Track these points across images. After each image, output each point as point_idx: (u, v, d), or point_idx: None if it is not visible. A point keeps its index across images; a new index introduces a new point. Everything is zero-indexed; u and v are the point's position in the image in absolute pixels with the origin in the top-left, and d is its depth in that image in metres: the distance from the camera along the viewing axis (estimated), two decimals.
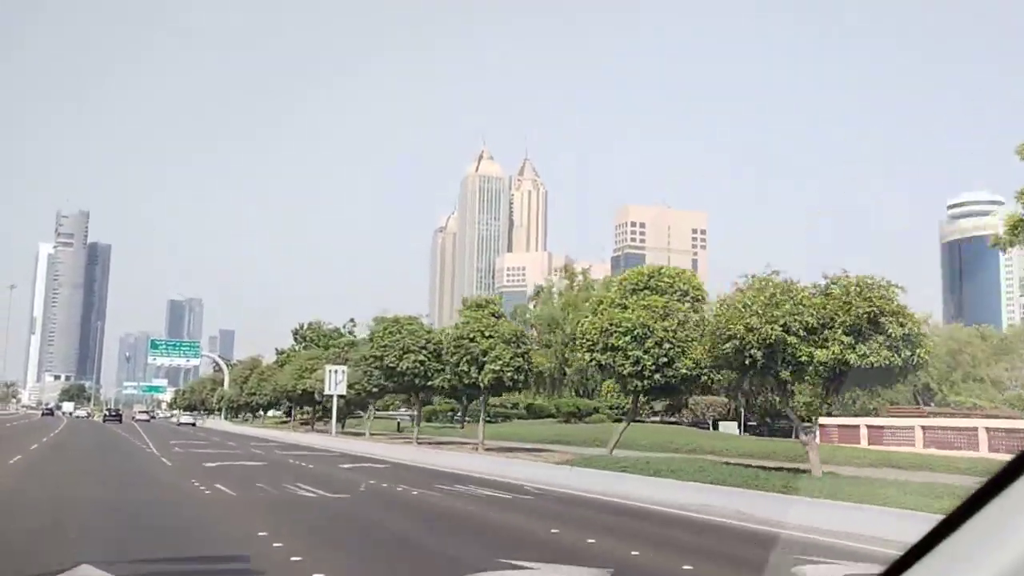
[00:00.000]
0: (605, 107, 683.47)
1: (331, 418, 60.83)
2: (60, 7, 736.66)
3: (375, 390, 50.68)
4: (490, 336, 34.17)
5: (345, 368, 56.98)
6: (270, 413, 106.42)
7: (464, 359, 34.28)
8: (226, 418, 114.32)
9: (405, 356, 41.18)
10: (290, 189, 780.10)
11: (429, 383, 41.89)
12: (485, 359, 33.91)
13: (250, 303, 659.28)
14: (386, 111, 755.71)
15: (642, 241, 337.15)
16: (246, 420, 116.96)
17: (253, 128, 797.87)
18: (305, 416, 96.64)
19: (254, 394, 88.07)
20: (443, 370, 42.52)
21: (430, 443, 43.80)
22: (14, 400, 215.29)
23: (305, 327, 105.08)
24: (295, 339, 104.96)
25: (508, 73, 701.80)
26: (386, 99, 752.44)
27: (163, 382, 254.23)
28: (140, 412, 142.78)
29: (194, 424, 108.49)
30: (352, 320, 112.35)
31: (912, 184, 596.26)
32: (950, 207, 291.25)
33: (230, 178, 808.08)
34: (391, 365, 41.21)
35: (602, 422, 54.02)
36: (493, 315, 35.73)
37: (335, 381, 56.06)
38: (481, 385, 34.19)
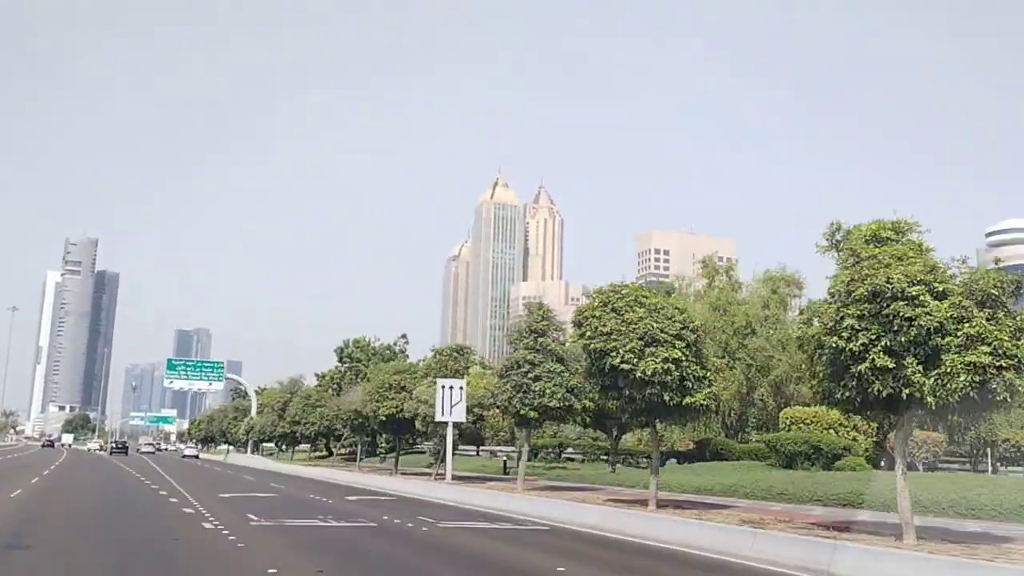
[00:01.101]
0: (623, 133, 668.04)
1: (395, 454, 42.23)
2: (66, 41, 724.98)
3: (532, 416, 31.91)
4: (943, 292, 15.59)
5: (463, 383, 38.54)
6: (297, 446, 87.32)
7: (882, 343, 15.63)
8: (254, 452, 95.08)
9: (649, 353, 22.58)
10: (302, 219, 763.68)
11: (686, 400, 23.25)
12: (941, 343, 15.31)
13: (259, 334, 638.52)
14: (399, 139, 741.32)
15: (666, 268, 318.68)
16: (272, 454, 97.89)
17: (264, 157, 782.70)
18: (348, 450, 77.52)
19: (298, 423, 68.99)
20: (705, 378, 24.01)
21: (676, 506, 24.89)
22: (13, 431, 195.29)
23: (350, 344, 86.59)
24: (340, 359, 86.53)
25: (524, 101, 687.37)
26: (400, 126, 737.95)
27: (172, 412, 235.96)
28: (146, 444, 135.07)
29: (197, 456, 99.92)
30: (404, 336, 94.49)
31: (948, 212, 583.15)
32: (988, 235, 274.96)
33: (241, 208, 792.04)
34: (625, 367, 22.54)
35: (859, 468, 35.15)
36: (917, 252, 16.99)
37: (449, 401, 37.57)
38: (930, 399, 15.43)
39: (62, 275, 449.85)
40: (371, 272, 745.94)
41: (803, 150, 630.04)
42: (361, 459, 62.70)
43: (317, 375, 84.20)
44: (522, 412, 31.79)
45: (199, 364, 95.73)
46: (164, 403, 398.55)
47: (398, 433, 48.04)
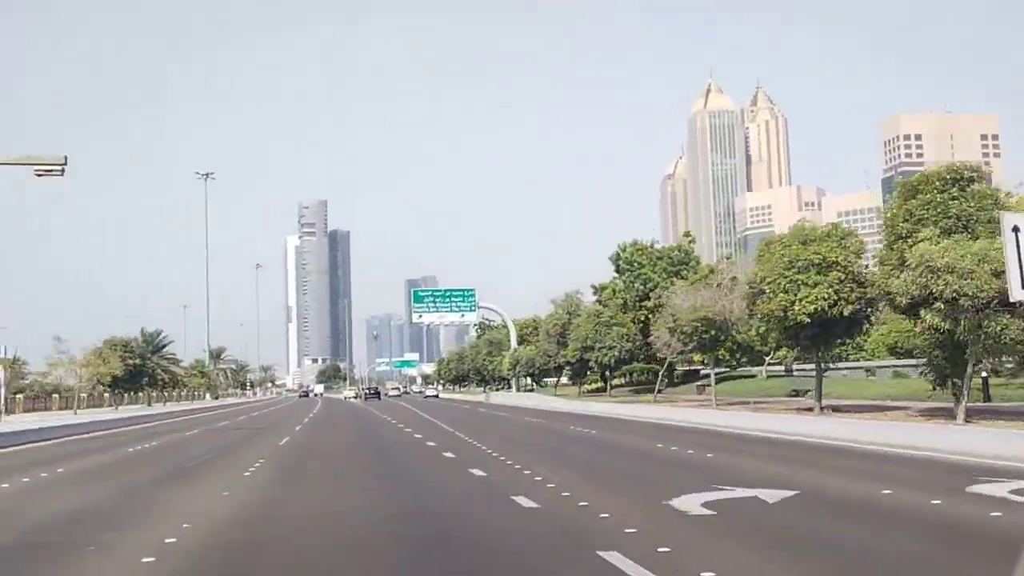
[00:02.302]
0: (848, 15, 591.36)
1: None
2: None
3: None
4: None
5: None
6: (584, 376, 69.74)
7: None
8: (521, 388, 79.59)
9: None
10: (515, 151, 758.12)
11: None
12: None
13: (483, 273, 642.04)
14: (605, 53, 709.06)
15: (919, 156, 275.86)
16: (531, 390, 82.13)
17: (473, 96, 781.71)
18: (623, 380, 59.20)
19: (591, 348, 51.07)
20: None
21: None
22: (272, 384, 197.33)
23: (627, 249, 67.44)
24: (616, 268, 67.76)
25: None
26: (606, 40, 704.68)
27: (414, 356, 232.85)
28: (392, 388, 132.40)
29: (437, 396, 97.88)
30: (687, 234, 74.71)
31: None
32: None
33: (455, 148, 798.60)
34: None
35: None
36: None
37: None
38: None
39: (299, 238, 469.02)
40: (584, 204, 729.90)
41: None
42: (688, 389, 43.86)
43: (594, 287, 66.18)
44: None
45: (448, 293, 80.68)
46: (404, 348, 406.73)
47: (827, 341, 27.83)
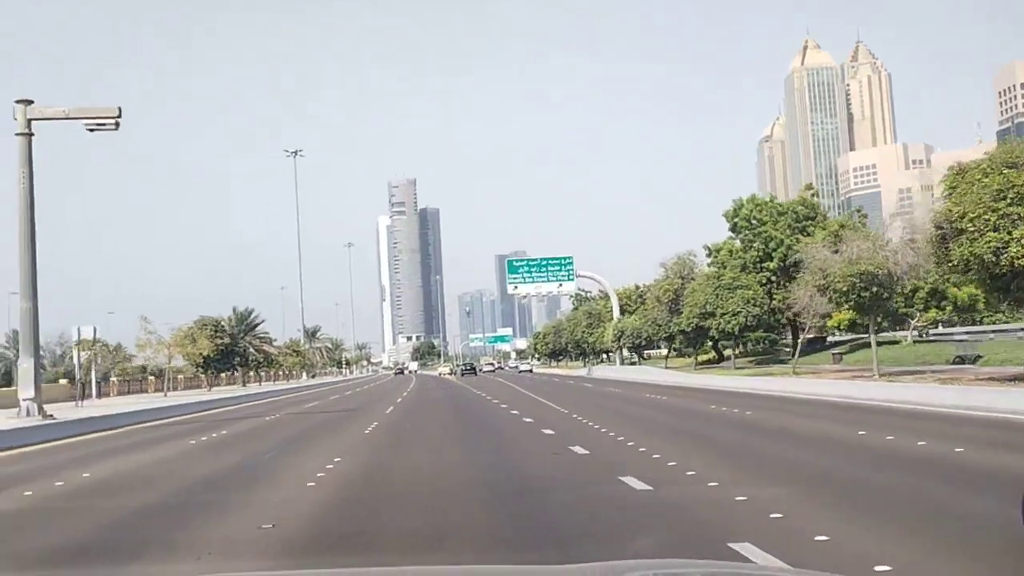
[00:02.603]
0: None
1: None
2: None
3: None
4: None
5: None
6: (701, 345, 63.97)
7: None
8: (624, 361, 74.32)
9: None
10: (605, 119, 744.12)
11: None
12: None
13: (572, 248, 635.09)
14: (698, 13, 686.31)
15: None
16: (633, 363, 76.79)
17: (561, 62, 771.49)
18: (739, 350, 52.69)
19: (710, 315, 45.30)
20: None
21: None
22: (367, 362, 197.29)
23: (745, 205, 60.97)
24: (732, 228, 61.41)
25: None
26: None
27: (507, 331, 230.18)
28: (486, 364, 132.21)
29: (531, 371, 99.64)
30: (809, 186, 67.64)
31: None
32: None
33: (542, 120, 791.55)
34: None
35: None
36: None
37: None
38: None
39: (390, 217, 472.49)
40: (678, 171, 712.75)
41: None
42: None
43: (707, 248, 60.23)
44: None
45: (544, 262, 75.78)
46: (496, 323, 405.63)
47: None
